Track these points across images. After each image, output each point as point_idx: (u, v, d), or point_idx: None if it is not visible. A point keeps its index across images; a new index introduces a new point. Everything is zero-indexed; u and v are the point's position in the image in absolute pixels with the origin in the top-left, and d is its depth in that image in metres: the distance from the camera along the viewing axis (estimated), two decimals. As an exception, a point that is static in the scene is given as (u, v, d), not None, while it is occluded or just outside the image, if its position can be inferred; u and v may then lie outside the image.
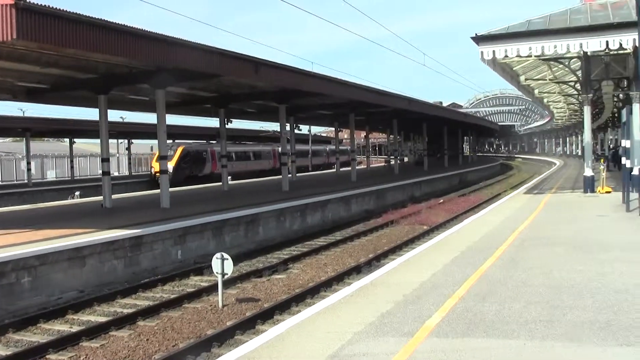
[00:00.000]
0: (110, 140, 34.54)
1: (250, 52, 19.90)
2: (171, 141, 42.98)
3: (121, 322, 10.80)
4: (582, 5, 22.65)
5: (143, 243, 15.02)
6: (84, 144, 64.26)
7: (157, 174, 33.31)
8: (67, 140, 54.91)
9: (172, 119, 42.61)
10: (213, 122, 45.13)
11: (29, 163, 43.98)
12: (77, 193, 35.62)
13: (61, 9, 12.87)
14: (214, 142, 48.09)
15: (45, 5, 12.33)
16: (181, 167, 42.69)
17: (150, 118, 45.35)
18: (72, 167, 51.79)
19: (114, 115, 63.72)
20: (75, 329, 10.63)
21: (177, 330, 10.34)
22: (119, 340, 9.97)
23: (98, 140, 23.17)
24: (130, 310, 11.67)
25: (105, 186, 21.45)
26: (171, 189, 22.32)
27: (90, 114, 58.08)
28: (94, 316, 11.57)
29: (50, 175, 55.83)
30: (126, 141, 59.50)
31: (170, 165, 37.77)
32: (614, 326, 6.62)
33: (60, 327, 10.85)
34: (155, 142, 30.75)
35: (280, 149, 31.17)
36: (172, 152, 40.86)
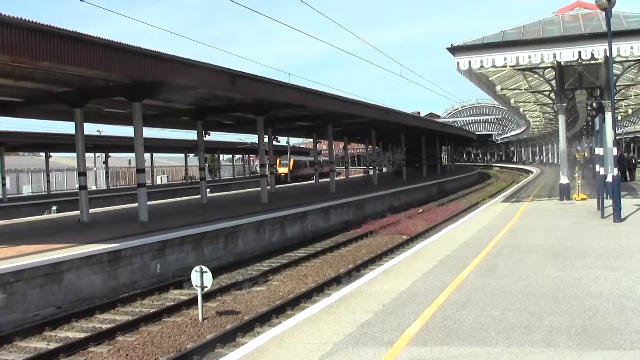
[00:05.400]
0: (88, 154, 34.22)
1: (226, 64, 19.89)
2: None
3: (100, 337, 10.70)
4: (555, 17, 22.99)
5: (121, 257, 14.89)
6: (60, 158, 63.61)
7: (281, 174, 61.40)
8: (42, 154, 54.33)
9: (150, 132, 43.03)
10: (191, 135, 45.67)
11: (3, 178, 43.34)
12: (53, 208, 35.21)
13: (34, 21, 12.78)
14: (304, 156, 77.77)
15: (18, 17, 12.24)
16: (293, 170, 67.27)
17: (127, 131, 45.50)
18: (48, 181, 51.23)
19: (91, 128, 63.19)
20: (52, 345, 10.49)
21: (157, 345, 10.27)
22: (97, 357, 9.88)
23: (74, 154, 22.97)
24: (109, 326, 11.55)
25: (82, 200, 21.26)
26: (154, 202, 22.19)
27: (66, 127, 57.61)
28: (72, 332, 11.43)
29: (26, 190, 55.22)
30: (103, 155, 58.99)
31: (288, 169, 66.28)
32: (589, 331, 6.71)
33: (37, 345, 10.70)
34: (133, 155, 30.54)
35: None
36: (287, 160, 67.72)
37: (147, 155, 47.15)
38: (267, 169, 32.98)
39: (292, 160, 68.63)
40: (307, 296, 13.31)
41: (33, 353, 10.11)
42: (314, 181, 49.79)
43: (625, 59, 21.17)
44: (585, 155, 48.42)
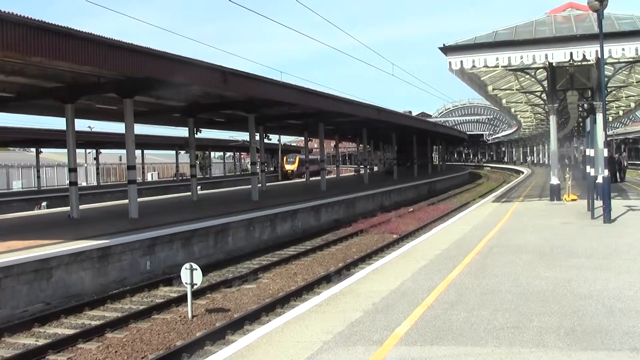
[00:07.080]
0: (78, 150, 34.07)
1: (218, 62, 19.81)
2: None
3: (89, 334, 10.66)
4: (547, 17, 23.05)
5: (111, 254, 14.83)
6: (51, 154, 63.32)
7: (287, 171, 72.70)
8: (33, 150, 54.06)
9: (141, 129, 42.91)
10: (182, 132, 45.68)
11: (-7, 173, 43.12)
12: (43, 204, 35.02)
13: (26, 16, 12.69)
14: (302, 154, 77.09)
15: (9, 12, 12.14)
16: (299, 167, 71.22)
17: (118, 127, 45.39)
18: (38, 177, 50.97)
19: (82, 124, 63.01)
20: (41, 342, 10.44)
21: (146, 342, 10.24)
22: (86, 353, 9.83)
23: (65, 150, 22.84)
24: (98, 322, 11.51)
25: (73, 196, 21.16)
26: (145, 199, 22.11)
27: (57, 123, 57.40)
28: (61, 329, 11.39)
29: (16, 186, 54.94)
30: (94, 151, 58.72)
31: (295, 166, 74.15)
32: (578, 331, 6.73)
33: (25, 341, 10.65)
34: (123, 151, 30.46)
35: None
36: (293, 159, 76.65)
37: (138, 152, 47.05)
38: (258, 167, 32.91)
39: (297, 159, 76.05)
40: (297, 294, 13.30)
41: (22, 349, 10.08)
42: (304, 179, 49.81)
43: (616, 60, 21.26)
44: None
